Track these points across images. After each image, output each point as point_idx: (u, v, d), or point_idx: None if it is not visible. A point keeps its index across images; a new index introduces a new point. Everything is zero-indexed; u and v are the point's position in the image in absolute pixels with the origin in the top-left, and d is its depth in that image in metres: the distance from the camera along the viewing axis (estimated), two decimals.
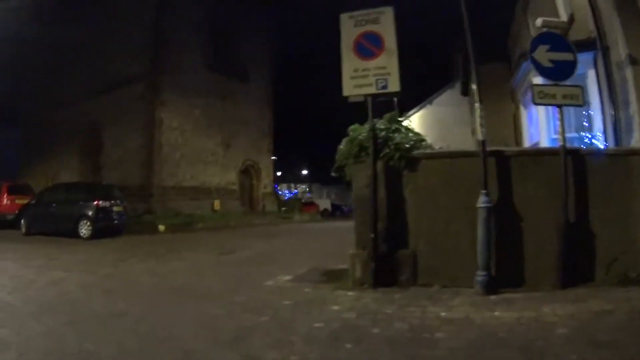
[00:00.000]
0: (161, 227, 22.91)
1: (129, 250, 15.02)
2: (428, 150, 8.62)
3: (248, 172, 38.74)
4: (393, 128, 8.59)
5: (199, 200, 31.91)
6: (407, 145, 8.26)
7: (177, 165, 31.31)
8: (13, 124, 44.23)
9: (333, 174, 8.73)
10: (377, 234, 7.93)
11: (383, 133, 8.36)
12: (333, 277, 8.97)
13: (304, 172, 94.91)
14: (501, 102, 26.41)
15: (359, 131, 8.50)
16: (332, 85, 8.96)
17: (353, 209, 9.03)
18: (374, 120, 8.27)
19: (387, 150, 8.20)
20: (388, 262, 7.95)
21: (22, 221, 21.23)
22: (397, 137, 8.38)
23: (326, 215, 49.51)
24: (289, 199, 57.43)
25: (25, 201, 22.95)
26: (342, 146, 8.66)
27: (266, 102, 40.65)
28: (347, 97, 8.18)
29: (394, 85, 7.88)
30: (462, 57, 31.95)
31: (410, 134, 8.69)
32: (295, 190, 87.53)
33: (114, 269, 11.20)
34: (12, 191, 25.33)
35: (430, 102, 38.72)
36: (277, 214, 37.59)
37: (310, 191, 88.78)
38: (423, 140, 8.81)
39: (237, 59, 37.54)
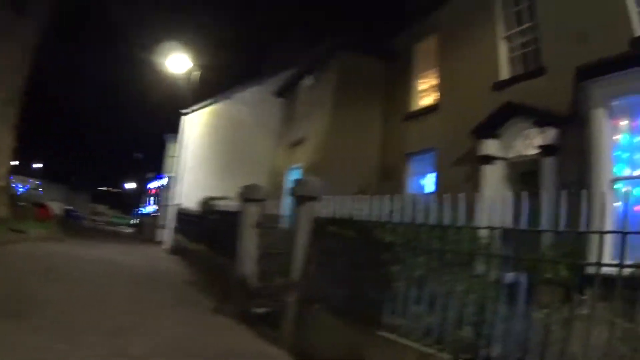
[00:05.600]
0: None
1: None
2: None
3: None
4: None
5: None
6: None
7: None
8: None
9: None
10: None
11: None
12: None
13: (38, 165, 77.67)
14: (367, 110, 19.11)
15: None
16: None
17: None
18: None
19: None
20: None
21: None
22: None
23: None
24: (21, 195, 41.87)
25: None
26: None
27: (20, 53, 21.83)
28: None
29: None
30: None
31: None
32: (27, 185, 66.69)
33: None
34: None
35: (229, 97, 29.03)
36: (10, 222, 20.89)
37: (41, 188, 68.90)
38: None
39: None
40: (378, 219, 6.03)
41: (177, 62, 27.25)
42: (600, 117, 9.16)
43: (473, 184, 12.83)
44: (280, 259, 9.19)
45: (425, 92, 17.25)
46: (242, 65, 31.72)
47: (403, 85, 18.02)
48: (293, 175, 21.52)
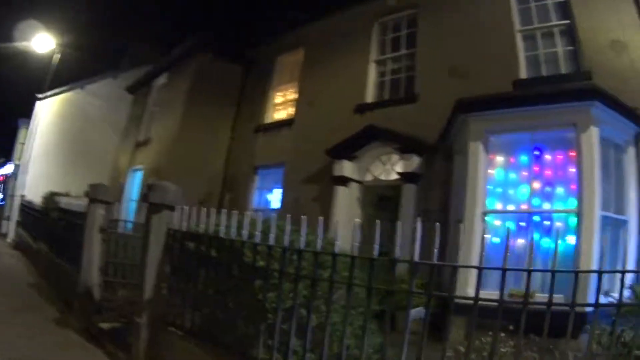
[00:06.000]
0: None
1: None
2: None
3: None
4: None
5: None
6: None
7: None
8: None
9: None
10: None
11: None
12: None
13: None
14: (219, 117, 17.67)
15: None
16: None
17: None
18: None
19: None
20: None
21: None
22: None
23: None
24: None
25: None
26: None
27: None
28: None
29: None
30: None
31: None
32: None
33: None
34: None
35: (83, 87, 26.70)
36: None
37: None
38: None
39: None
40: (248, 239, 4.90)
41: (39, 41, 24.47)
42: (477, 151, 8.91)
43: (323, 204, 12.20)
44: (127, 271, 8.25)
45: (281, 105, 16.35)
46: (100, 56, 29.48)
47: (259, 96, 16.88)
48: (135, 178, 19.77)
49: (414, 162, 10.94)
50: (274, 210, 14.37)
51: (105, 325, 7.63)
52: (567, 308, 3.21)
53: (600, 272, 3.11)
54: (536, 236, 8.32)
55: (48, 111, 25.32)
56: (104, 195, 9.01)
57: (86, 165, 23.15)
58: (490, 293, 3.54)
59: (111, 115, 25.23)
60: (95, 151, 24.66)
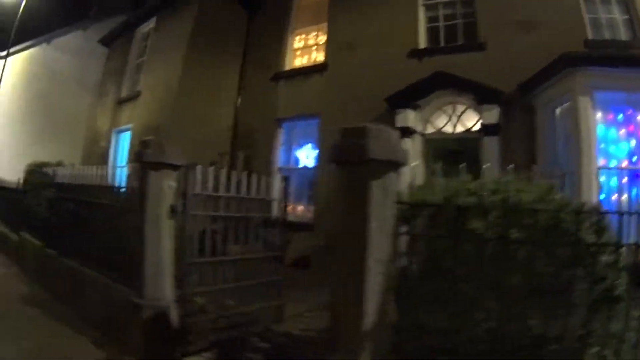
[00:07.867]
0: None
1: None
2: None
3: None
4: None
5: None
6: None
7: None
8: None
9: None
10: None
11: None
12: None
13: None
14: (224, 65, 16.10)
15: None
16: None
17: None
18: None
19: None
20: None
21: None
22: None
23: None
24: None
25: None
26: None
27: None
28: None
29: None
30: None
31: None
32: None
33: None
34: None
35: (49, 42, 24.09)
36: None
37: None
38: None
39: None
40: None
41: None
42: (587, 106, 8.93)
43: None
44: (230, 270, 5.95)
45: (304, 49, 15.43)
46: (66, 4, 26.83)
47: (273, 40, 15.50)
48: (121, 139, 17.88)
49: (495, 113, 10.54)
50: (308, 169, 13.38)
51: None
52: None
53: None
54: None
55: (11, 71, 22.28)
56: (169, 156, 5.65)
57: (57, 131, 21.32)
58: None
59: (82, 73, 23.05)
60: (66, 114, 22.63)
